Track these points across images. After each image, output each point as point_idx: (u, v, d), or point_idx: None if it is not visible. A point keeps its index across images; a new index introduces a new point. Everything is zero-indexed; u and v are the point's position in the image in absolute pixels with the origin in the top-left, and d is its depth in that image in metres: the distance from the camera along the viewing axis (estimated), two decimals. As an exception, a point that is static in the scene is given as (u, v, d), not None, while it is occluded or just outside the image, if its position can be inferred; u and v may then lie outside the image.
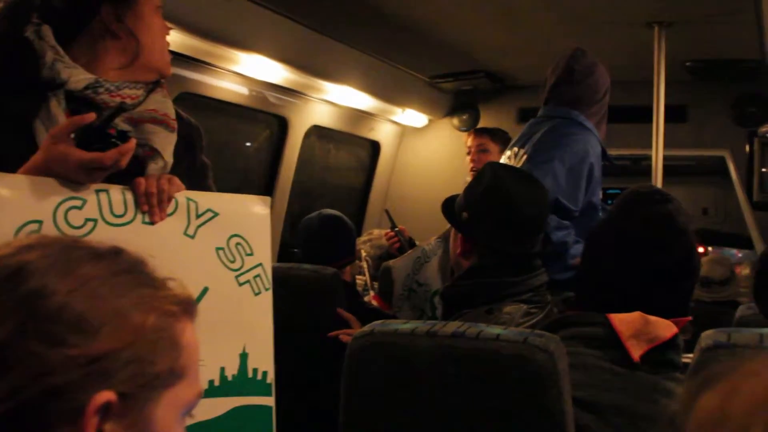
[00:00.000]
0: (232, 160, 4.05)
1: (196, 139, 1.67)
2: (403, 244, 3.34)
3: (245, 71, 3.33)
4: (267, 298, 1.54)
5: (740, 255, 4.68)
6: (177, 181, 1.43)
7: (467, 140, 3.80)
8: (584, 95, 2.57)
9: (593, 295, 1.74)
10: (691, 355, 1.45)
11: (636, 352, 1.57)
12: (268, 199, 1.57)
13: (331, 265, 2.69)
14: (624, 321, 1.60)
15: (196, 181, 1.57)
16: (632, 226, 1.71)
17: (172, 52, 1.63)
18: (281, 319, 1.55)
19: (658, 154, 3.16)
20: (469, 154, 3.74)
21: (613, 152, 2.75)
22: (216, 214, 1.47)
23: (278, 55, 3.27)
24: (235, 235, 1.50)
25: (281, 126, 4.00)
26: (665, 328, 1.59)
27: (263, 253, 1.54)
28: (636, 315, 1.60)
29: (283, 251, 4.02)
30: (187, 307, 0.78)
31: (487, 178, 1.98)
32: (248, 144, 4.24)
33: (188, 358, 0.77)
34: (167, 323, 0.75)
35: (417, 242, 3.32)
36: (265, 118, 4.03)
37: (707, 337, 1.40)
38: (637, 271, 1.67)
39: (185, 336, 0.77)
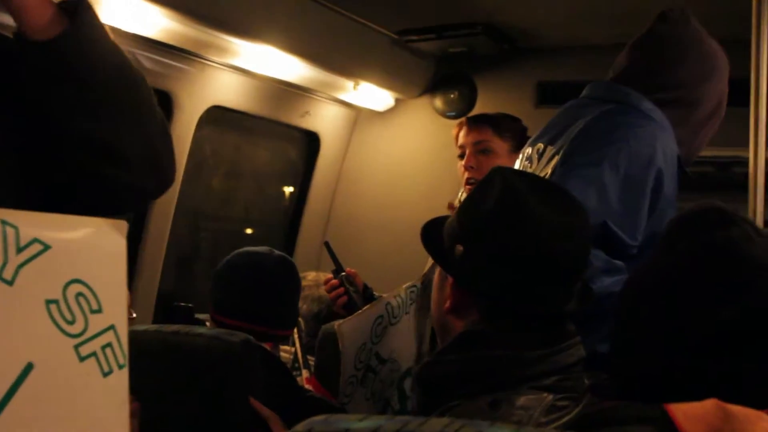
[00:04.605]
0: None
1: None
2: (352, 296, 3.30)
3: (103, 17, 3.20)
4: (120, 381, 1.49)
5: None
6: None
7: (458, 134, 3.76)
8: (660, 70, 2.61)
9: (637, 375, 1.74)
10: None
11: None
12: (124, 224, 1.52)
13: (276, 334, 2.76)
14: (691, 415, 1.58)
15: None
16: (678, 263, 1.73)
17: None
18: (157, 417, 1.50)
19: (758, 154, 3.15)
20: (461, 156, 3.70)
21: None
22: (46, 247, 1.42)
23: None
24: (76, 281, 1.45)
25: (162, 106, 3.90)
26: (754, 420, 1.56)
27: (116, 309, 1.49)
28: (709, 404, 1.58)
29: (162, 305, 3.95)
30: None
31: (496, 193, 1.95)
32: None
33: None
34: None
35: (377, 293, 3.28)
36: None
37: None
38: (691, 333, 1.68)
39: None
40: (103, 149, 1.73)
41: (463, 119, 3.79)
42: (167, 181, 1.90)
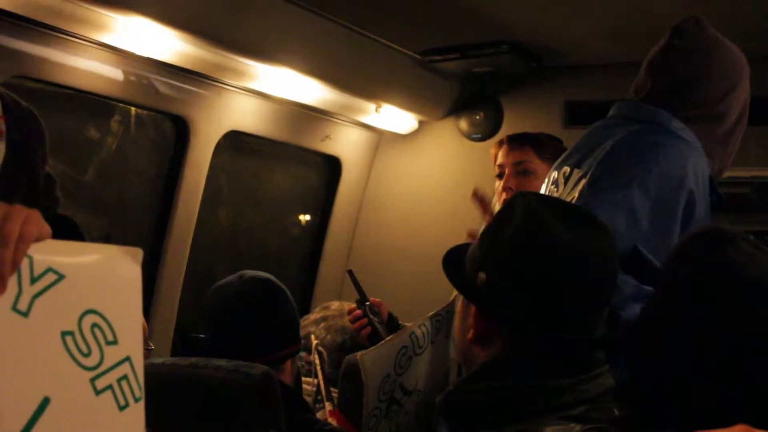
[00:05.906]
0: (87, 180, 4.00)
1: (34, 139, 1.69)
2: (376, 326, 3.30)
3: (117, 42, 3.32)
4: (137, 415, 1.52)
5: None
6: (37, 218, 1.38)
7: (496, 153, 3.72)
8: (687, 89, 2.58)
9: (659, 405, 1.72)
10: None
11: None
12: (138, 251, 1.55)
13: (260, 360, 2.65)
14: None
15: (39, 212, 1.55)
16: (679, 289, 1.75)
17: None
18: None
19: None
20: (500, 176, 3.67)
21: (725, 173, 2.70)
22: (61, 277, 1.44)
23: (171, 18, 3.27)
24: (91, 312, 1.47)
25: (179, 132, 4.00)
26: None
27: (132, 340, 1.52)
28: (738, 430, 1.52)
29: (179, 337, 3.94)
30: None
31: (518, 218, 1.95)
32: (120, 158, 4.17)
33: None
34: None
35: (402, 323, 3.27)
36: (151, 120, 4.02)
37: None
38: (699, 357, 1.68)
39: None
40: None
41: (503, 140, 3.75)
42: None
